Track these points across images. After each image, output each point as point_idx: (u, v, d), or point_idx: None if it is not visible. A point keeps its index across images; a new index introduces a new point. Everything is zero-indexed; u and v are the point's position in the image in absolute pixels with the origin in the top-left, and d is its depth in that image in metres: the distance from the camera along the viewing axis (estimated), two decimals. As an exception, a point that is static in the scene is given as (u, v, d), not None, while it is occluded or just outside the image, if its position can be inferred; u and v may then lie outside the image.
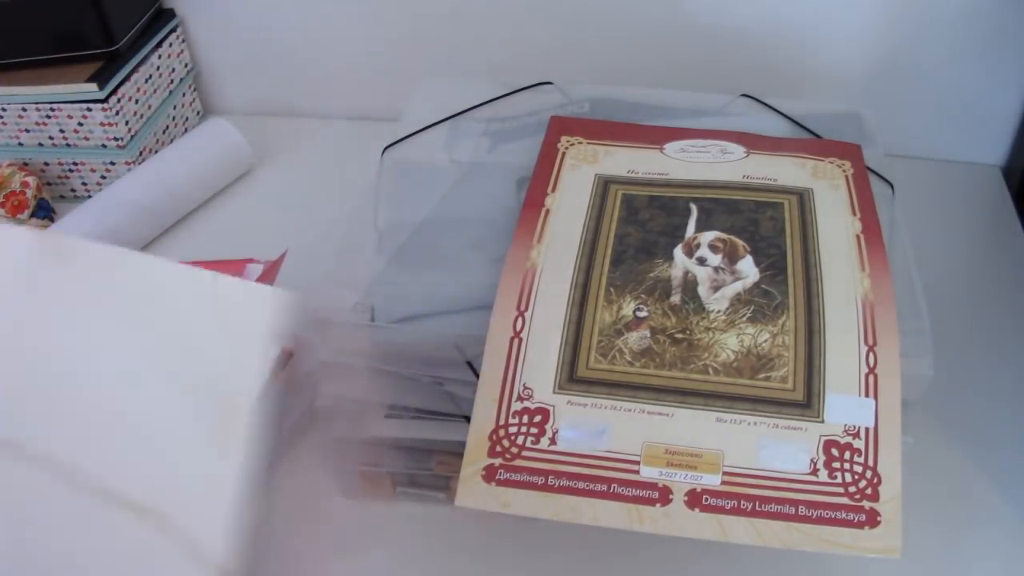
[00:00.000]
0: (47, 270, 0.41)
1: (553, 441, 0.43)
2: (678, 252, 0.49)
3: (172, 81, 0.93)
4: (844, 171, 0.54)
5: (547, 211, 0.51)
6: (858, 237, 0.49)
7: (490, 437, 0.44)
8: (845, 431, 0.43)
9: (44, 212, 0.83)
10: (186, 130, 0.96)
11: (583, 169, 0.55)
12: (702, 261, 0.49)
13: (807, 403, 0.44)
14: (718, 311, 0.47)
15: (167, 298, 0.41)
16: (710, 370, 0.45)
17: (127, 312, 0.41)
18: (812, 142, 0.57)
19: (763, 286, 0.47)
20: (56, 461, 0.39)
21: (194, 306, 0.41)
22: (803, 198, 0.52)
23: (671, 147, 0.57)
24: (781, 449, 0.43)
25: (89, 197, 0.82)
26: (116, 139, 0.84)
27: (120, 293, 0.41)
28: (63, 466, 0.39)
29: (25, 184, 0.81)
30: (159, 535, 0.38)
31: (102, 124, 0.83)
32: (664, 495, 0.43)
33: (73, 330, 0.41)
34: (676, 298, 0.47)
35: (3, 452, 0.39)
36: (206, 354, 0.40)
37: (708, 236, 0.50)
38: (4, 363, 0.40)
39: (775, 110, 0.62)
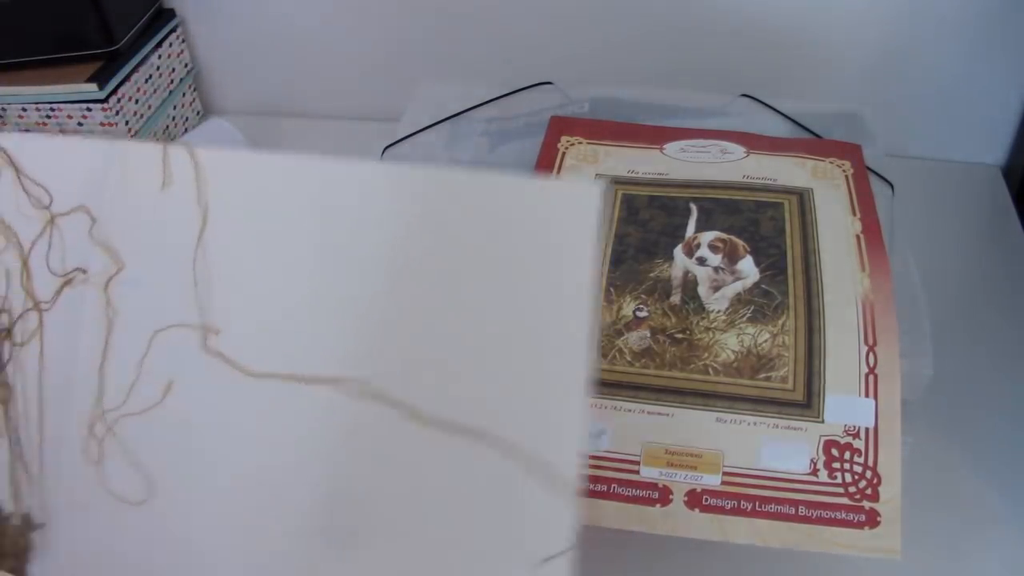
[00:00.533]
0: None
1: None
2: (678, 252, 0.50)
3: (172, 81, 0.93)
4: (844, 171, 0.54)
5: (548, 211, 0.51)
6: (858, 237, 0.49)
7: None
8: (845, 431, 0.43)
9: None
10: (186, 130, 0.96)
11: (583, 169, 0.55)
12: (702, 261, 0.49)
13: (807, 403, 0.44)
14: (718, 311, 0.47)
15: (480, 209, 0.39)
16: (710, 370, 0.45)
17: (442, 230, 0.39)
18: (812, 142, 0.58)
19: (763, 286, 0.47)
20: (394, 398, 0.39)
21: (510, 214, 0.38)
22: (803, 198, 0.52)
23: (671, 147, 0.57)
24: (781, 449, 0.43)
25: None
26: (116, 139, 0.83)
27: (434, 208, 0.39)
28: (403, 402, 0.39)
29: None
30: (508, 460, 0.37)
31: (102, 124, 0.83)
32: (664, 495, 0.43)
33: (402, 259, 0.39)
34: (676, 298, 0.48)
35: (340, 389, 0.39)
36: (528, 266, 0.38)
37: (708, 236, 0.50)
38: (341, 302, 0.40)
39: (775, 110, 0.62)
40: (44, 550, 0.42)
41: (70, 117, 0.82)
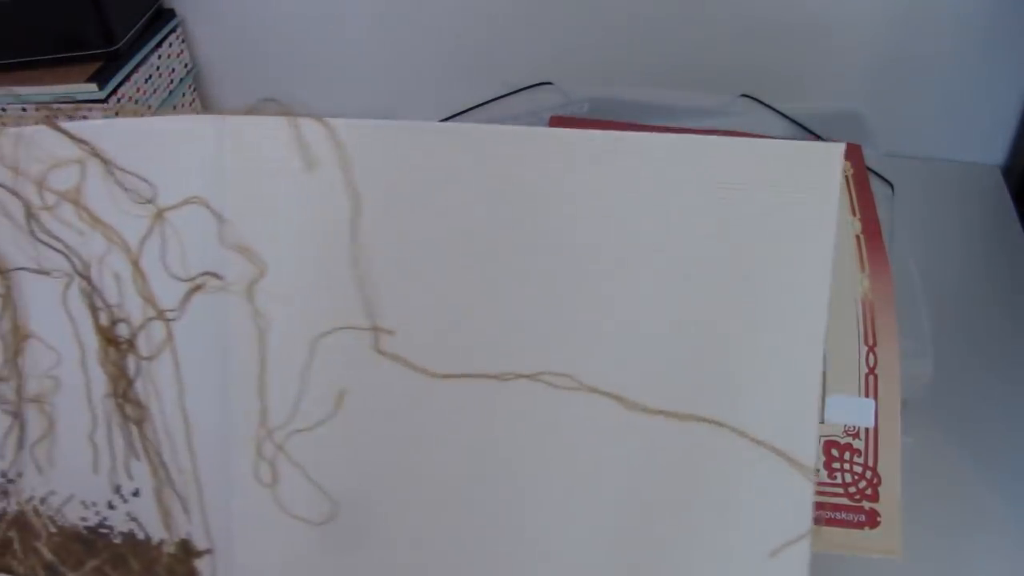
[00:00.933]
0: None
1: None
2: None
3: (172, 81, 0.92)
4: (844, 171, 0.54)
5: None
6: (858, 237, 0.49)
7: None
8: (845, 431, 0.43)
9: None
10: None
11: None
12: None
13: (807, 403, 0.43)
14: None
15: (707, 176, 0.33)
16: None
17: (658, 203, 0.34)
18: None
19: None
20: (606, 389, 0.35)
21: (745, 181, 0.33)
22: (803, 198, 0.52)
23: (672, 147, 0.57)
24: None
25: None
26: None
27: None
28: (616, 392, 0.35)
29: None
30: (743, 446, 0.35)
31: None
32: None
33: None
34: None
35: (541, 383, 0.36)
36: (765, 240, 0.33)
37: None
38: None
39: (775, 110, 0.62)
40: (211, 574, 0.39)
41: (70, 117, 0.81)
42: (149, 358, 0.38)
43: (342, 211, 0.35)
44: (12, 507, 0.42)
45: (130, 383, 0.39)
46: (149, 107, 0.87)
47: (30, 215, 0.39)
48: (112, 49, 0.82)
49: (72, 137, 0.38)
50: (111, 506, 0.40)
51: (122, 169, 0.37)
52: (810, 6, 0.75)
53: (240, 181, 0.36)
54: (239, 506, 0.38)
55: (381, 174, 0.35)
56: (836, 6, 0.75)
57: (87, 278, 0.39)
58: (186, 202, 0.37)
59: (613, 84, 0.66)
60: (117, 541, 0.40)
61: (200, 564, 0.39)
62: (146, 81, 0.86)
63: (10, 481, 0.42)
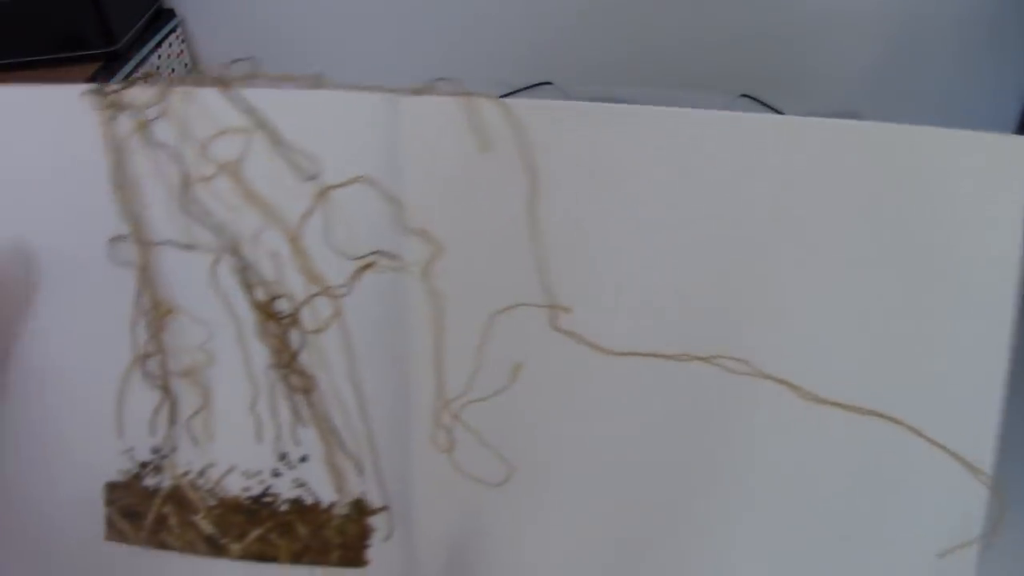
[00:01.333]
0: None
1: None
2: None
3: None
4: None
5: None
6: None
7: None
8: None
9: None
10: None
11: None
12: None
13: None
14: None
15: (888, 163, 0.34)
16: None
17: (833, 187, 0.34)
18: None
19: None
20: (780, 376, 0.36)
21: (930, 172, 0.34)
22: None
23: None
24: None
25: None
26: None
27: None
28: (791, 380, 0.36)
29: None
30: (915, 443, 0.35)
31: None
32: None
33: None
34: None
35: (716, 367, 0.36)
36: (947, 234, 0.34)
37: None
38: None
39: (775, 110, 0.66)
40: (387, 535, 0.40)
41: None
42: (315, 331, 0.39)
43: (520, 191, 0.36)
44: (166, 483, 0.42)
45: (294, 355, 0.39)
46: None
47: (185, 185, 0.39)
48: (112, 49, 0.80)
49: (244, 105, 0.38)
50: (276, 474, 0.41)
51: (288, 144, 0.37)
52: (810, 6, 0.76)
53: (415, 161, 0.36)
54: (417, 469, 0.39)
55: (559, 155, 0.35)
56: (836, 6, 0.76)
57: (238, 255, 0.39)
58: (354, 181, 0.37)
59: (613, 84, 0.68)
60: (283, 508, 0.41)
61: (374, 521, 0.40)
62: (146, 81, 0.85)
63: (163, 457, 0.41)
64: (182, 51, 0.93)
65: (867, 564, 0.38)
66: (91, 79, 0.78)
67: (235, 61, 0.39)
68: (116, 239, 0.40)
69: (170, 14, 0.91)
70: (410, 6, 0.85)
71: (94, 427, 0.42)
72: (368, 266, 0.38)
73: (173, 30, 0.91)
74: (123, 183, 0.39)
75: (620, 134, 0.35)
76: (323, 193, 0.38)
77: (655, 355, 0.37)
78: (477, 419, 0.38)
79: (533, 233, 0.36)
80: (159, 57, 0.88)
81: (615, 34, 0.82)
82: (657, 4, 0.79)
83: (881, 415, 0.36)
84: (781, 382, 0.36)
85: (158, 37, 0.88)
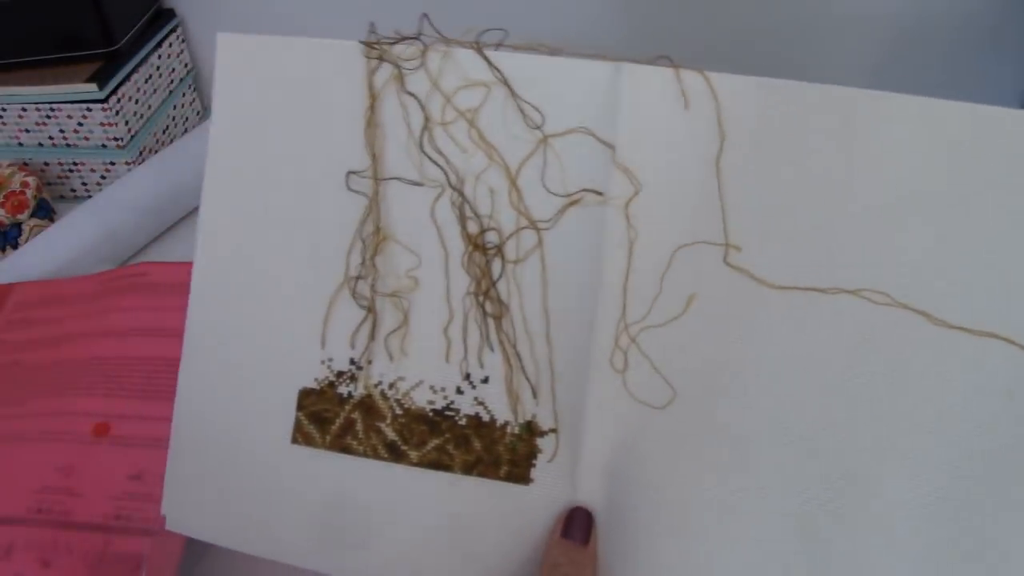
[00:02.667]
0: None
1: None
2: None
3: (172, 81, 0.94)
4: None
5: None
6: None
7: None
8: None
9: (44, 212, 0.82)
10: (186, 130, 0.97)
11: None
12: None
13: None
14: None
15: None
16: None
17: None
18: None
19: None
20: (919, 307, 0.42)
21: None
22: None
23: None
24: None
25: (89, 197, 0.83)
26: (116, 139, 0.84)
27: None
28: (929, 312, 0.41)
29: (25, 184, 0.80)
30: None
31: (102, 124, 0.83)
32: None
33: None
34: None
35: (863, 299, 0.42)
36: None
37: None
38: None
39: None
40: (551, 457, 0.45)
41: (70, 117, 0.82)
42: (516, 262, 0.46)
43: (711, 147, 0.43)
44: (359, 391, 0.47)
45: (493, 283, 0.46)
46: (149, 107, 0.89)
47: (426, 128, 0.46)
48: (112, 49, 0.83)
49: (491, 64, 0.45)
50: (459, 391, 0.46)
51: (522, 98, 0.45)
52: (811, 6, 0.78)
53: (630, 114, 0.43)
54: (593, 389, 0.44)
55: (744, 119, 0.42)
56: (837, 6, 0.78)
57: (460, 191, 0.46)
58: (572, 131, 0.45)
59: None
60: (462, 423, 0.46)
61: (541, 442, 0.46)
62: (146, 81, 0.88)
63: (359, 368, 0.47)
64: (182, 51, 0.96)
65: (1001, 476, 0.41)
66: (91, 79, 0.81)
67: (485, 31, 0.46)
68: (354, 172, 0.46)
69: (170, 14, 0.94)
70: (408, 10, 0.90)
71: (300, 337, 0.47)
72: (575, 202, 0.45)
73: (173, 30, 0.94)
74: (373, 124, 0.46)
75: (793, 105, 0.42)
76: (545, 140, 0.45)
77: (811, 289, 0.42)
78: (650, 344, 0.44)
79: (718, 182, 0.43)
80: (159, 57, 0.91)
81: (615, 33, 0.83)
82: (658, 3, 0.80)
83: (1000, 337, 0.41)
84: (916, 311, 0.41)
85: (158, 37, 0.91)
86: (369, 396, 0.47)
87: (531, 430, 0.46)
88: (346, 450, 0.47)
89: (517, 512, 0.46)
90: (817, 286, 0.42)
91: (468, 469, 0.46)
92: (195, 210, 0.80)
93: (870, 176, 0.42)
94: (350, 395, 0.47)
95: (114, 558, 0.49)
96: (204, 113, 1.01)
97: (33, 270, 0.72)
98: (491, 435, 0.46)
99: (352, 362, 0.47)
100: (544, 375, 0.46)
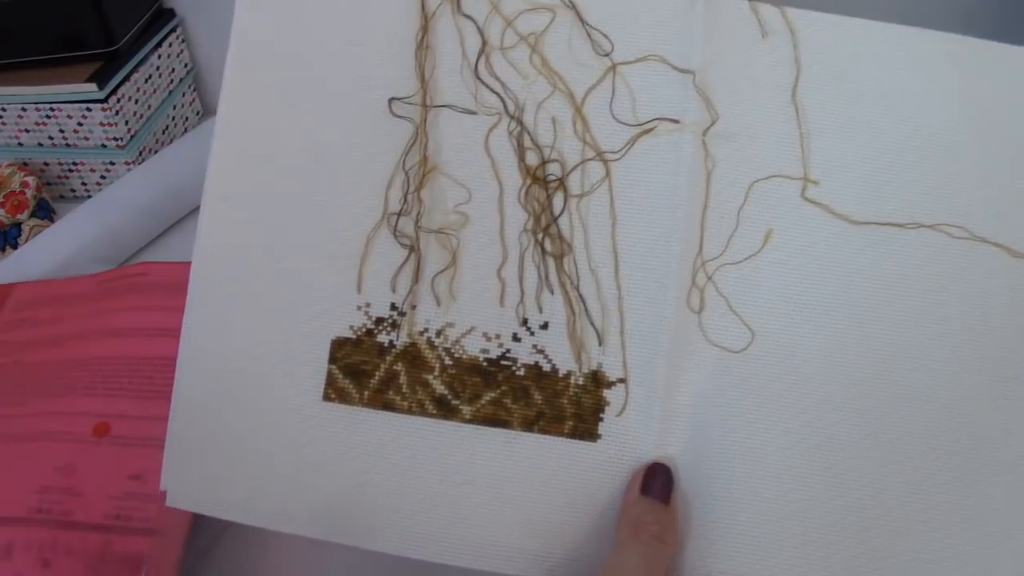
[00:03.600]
0: None
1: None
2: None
3: (172, 81, 0.92)
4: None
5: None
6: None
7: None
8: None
9: (44, 212, 0.82)
10: (186, 130, 0.94)
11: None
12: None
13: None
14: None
15: None
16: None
17: None
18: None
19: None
20: (997, 240, 0.41)
21: None
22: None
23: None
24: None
25: (89, 197, 0.81)
26: (116, 139, 0.83)
27: None
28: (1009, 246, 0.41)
29: (25, 184, 0.80)
30: None
31: (102, 124, 0.82)
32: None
33: None
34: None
35: (941, 233, 0.41)
36: None
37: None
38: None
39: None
40: (620, 410, 0.41)
41: (70, 117, 0.81)
42: (581, 196, 0.41)
43: (787, 78, 0.42)
44: (401, 339, 0.42)
45: (554, 219, 0.41)
46: (149, 107, 0.87)
47: (483, 52, 0.41)
48: (112, 49, 0.82)
49: None
50: (516, 338, 0.41)
51: (590, 24, 0.42)
52: (812, 6, 0.81)
53: (706, 42, 0.42)
54: (667, 333, 0.41)
55: (821, 52, 0.42)
56: (838, 7, 0.81)
57: (519, 120, 0.41)
58: (644, 58, 0.42)
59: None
60: (520, 373, 0.41)
61: (609, 394, 0.41)
62: (146, 81, 0.86)
63: (401, 314, 0.41)
64: (182, 51, 0.94)
65: None
66: (91, 79, 0.80)
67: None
68: (398, 98, 0.42)
69: (170, 14, 0.92)
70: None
71: (329, 281, 0.42)
72: (648, 131, 0.41)
73: (173, 30, 0.92)
74: (424, 46, 0.41)
75: (871, 43, 0.42)
76: (614, 68, 0.42)
77: (889, 224, 0.41)
78: (727, 282, 0.41)
79: (795, 113, 0.41)
80: (159, 57, 0.89)
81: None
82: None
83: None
84: (993, 244, 0.41)
85: (158, 37, 0.89)
86: (414, 345, 0.42)
87: (597, 381, 0.41)
88: (388, 407, 0.41)
89: (583, 472, 0.41)
90: (895, 221, 0.41)
91: (528, 425, 0.41)
92: (195, 210, 0.78)
93: (947, 112, 0.41)
94: (391, 344, 0.42)
95: (114, 558, 0.48)
96: (204, 113, 0.99)
97: (33, 270, 0.71)
98: (553, 387, 0.41)
99: (393, 307, 0.42)
100: (611, 320, 0.41)
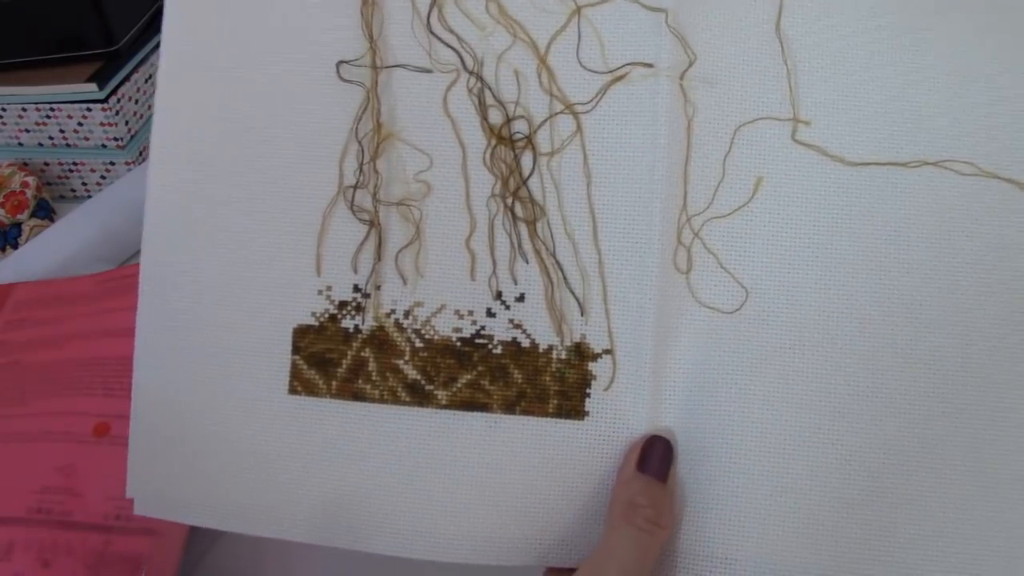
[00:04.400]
0: None
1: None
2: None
3: (171, 81, 0.90)
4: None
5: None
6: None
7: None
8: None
9: (44, 212, 0.81)
10: None
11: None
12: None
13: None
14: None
15: None
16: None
17: None
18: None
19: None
20: (1008, 175, 0.37)
21: None
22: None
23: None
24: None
25: (89, 197, 0.81)
26: (116, 139, 0.82)
27: None
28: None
29: (25, 184, 0.80)
30: None
31: (102, 124, 0.81)
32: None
33: None
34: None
35: (947, 170, 0.37)
36: None
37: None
38: None
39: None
40: (608, 384, 0.38)
41: (70, 117, 0.81)
42: (551, 154, 0.38)
43: (769, 9, 0.37)
44: (367, 323, 0.38)
45: (523, 182, 0.38)
46: (149, 107, 0.86)
47: (435, 3, 0.38)
48: (112, 49, 0.81)
49: None
50: (490, 314, 0.38)
51: None
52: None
53: None
54: (653, 297, 0.37)
55: None
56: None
57: (479, 76, 0.38)
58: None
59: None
60: (497, 352, 0.38)
61: (595, 367, 0.38)
62: (146, 81, 0.86)
63: (366, 295, 0.38)
64: None
65: None
66: (91, 79, 0.79)
67: None
68: (347, 61, 0.39)
69: None
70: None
71: (287, 266, 0.39)
72: (619, 78, 0.38)
73: None
74: (370, 2, 0.38)
75: None
76: (578, 11, 0.38)
77: (891, 164, 0.37)
78: (716, 238, 0.37)
79: (779, 48, 0.38)
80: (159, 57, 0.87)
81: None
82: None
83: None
84: (1005, 179, 0.37)
85: (158, 37, 0.86)
86: (381, 328, 0.38)
87: (581, 353, 0.38)
88: (358, 396, 0.38)
89: (572, 453, 0.38)
90: (897, 160, 0.37)
91: (509, 407, 0.38)
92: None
93: (948, 39, 0.37)
94: (357, 329, 0.39)
95: (114, 558, 0.48)
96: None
97: (33, 270, 0.71)
98: (533, 363, 0.38)
99: (357, 289, 0.39)
100: (593, 287, 0.38)
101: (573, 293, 0.38)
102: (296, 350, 0.39)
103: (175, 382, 0.40)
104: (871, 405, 0.36)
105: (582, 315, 0.38)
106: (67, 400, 0.56)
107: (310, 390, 0.38)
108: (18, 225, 0.79)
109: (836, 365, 0.37)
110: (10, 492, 0.51)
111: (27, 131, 0.83)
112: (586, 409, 0.38)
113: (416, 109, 0.38)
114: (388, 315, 0.38)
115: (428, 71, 0.38)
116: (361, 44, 0.39)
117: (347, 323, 0.39)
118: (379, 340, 0.38)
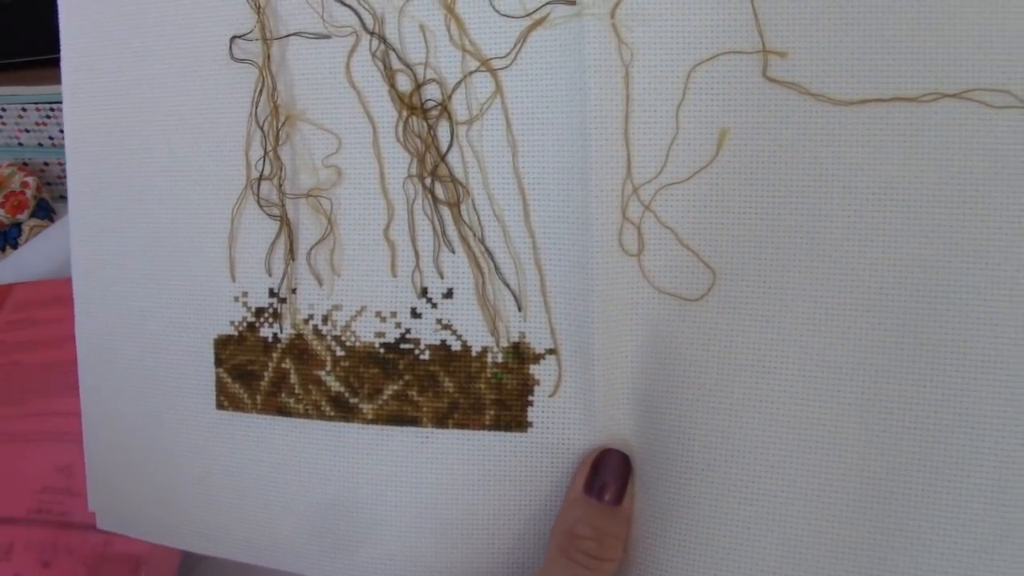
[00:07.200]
0: None
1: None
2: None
3: (169, 82, 0.89)
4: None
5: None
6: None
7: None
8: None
9: (44, 212, 0.81)
10: None
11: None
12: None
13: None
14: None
15: None
16: None
17: None
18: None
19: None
20: None
21: None
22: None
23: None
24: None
25: None
26: None
27: None
28: None
29: (25, 184, 0.79)
30: None
31: None
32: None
33: None
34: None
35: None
36: None
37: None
38: None
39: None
40: (553, 390, 0.32)
41: None
42: (469, 122, 0.32)
43: None
44: (286, 331, 0.35)
45: (442, 157, 0.32)
46: None
47: None
48: None
49: None
50: (416, 314, 0.33)
51: None
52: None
53: None
54: (599, 286, 0.31)
55: None
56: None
57: (380, 36, 0.32)
58: None
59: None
60: (424, 357, 0.33)
61: (537, 371, 0.32)
62: None
63: (281, 300, 0.35)
64: None
65: None
66: None
67: None
68: (239, 36, 0.34)
69: None
70: None
71: (201, 271, 0.36)
72: (538, 23, 0.31)
73: None
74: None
75: None
76: None
77: (895, 99, 0.29)
78: (673, 210, 0.30)
79: None
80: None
81: None
82: None
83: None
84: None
85: None
86: (300, 336, 0.35)
87: (521, 355, 0.33)
88: (283, 411, 0.35)
89: (514, 469, 0.33)
90: (902, 94, 0.28)
91: (441, 420, 0.33)
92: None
93: None
94: (276, 338, 0.35)
95: (114, 558, 0.47)
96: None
97: (33, 270, 0.71)
98: (466, 370, 0.33)
99: (272, 293, 0.35)
100: (529, 277, 0.32)
101: (507, 285, 0.32)
102: (219, 362, 0.36)
103: (116, 399, 0.38)
104: (867, 414, 0.29)
105: (519, 310, 0.32)
106: (67, 400, 0.55)
107: (236, 405, 0.35)
108: (18, 225, 0.79)
109: (828, 363, 0.29)
110: (10, 492, 0.51)
111: (27, 131, 0.82)
112: (529, 419, 0.32)
113: (317, 84, 0.34)
114: (306, 321, 0.34)
115: (326, 36, 0.33)
116: (251, 16, 0.34)
117: (265, 331, 0.35)
118: (299, 349, 0.34)
